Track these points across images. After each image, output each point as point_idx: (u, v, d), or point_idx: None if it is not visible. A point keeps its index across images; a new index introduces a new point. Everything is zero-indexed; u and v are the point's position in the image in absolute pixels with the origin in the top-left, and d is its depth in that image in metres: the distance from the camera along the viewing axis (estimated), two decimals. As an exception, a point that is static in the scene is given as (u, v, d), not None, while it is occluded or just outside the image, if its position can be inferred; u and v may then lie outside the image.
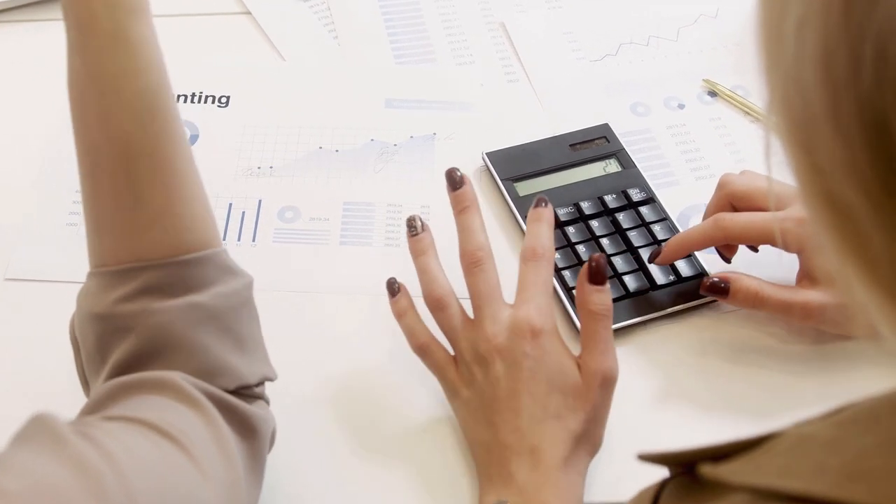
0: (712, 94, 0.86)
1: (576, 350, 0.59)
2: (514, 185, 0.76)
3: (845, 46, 0.26)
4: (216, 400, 0.49)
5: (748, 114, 0.84)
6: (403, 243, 0.73)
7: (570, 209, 0.73)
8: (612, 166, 0.77)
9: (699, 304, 0.69)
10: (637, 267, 0.70)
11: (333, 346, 0.68)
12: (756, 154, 0.80)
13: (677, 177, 0.79)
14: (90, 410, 0.48)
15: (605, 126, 0.80)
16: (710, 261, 0.70)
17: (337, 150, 0.81)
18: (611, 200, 0.74)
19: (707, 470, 0.36)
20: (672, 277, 0.69)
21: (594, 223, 0.72)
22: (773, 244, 0.65)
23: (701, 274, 0.69)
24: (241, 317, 0.53)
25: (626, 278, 0.69)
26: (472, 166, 0.79)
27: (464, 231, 0.62)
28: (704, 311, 0.69)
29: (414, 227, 0.63)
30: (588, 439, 0.57)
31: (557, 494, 0.55)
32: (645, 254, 0.70)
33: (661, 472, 0.42)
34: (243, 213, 0.76)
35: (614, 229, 0.72)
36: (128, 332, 0.49)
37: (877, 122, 0.26)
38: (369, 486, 0.61)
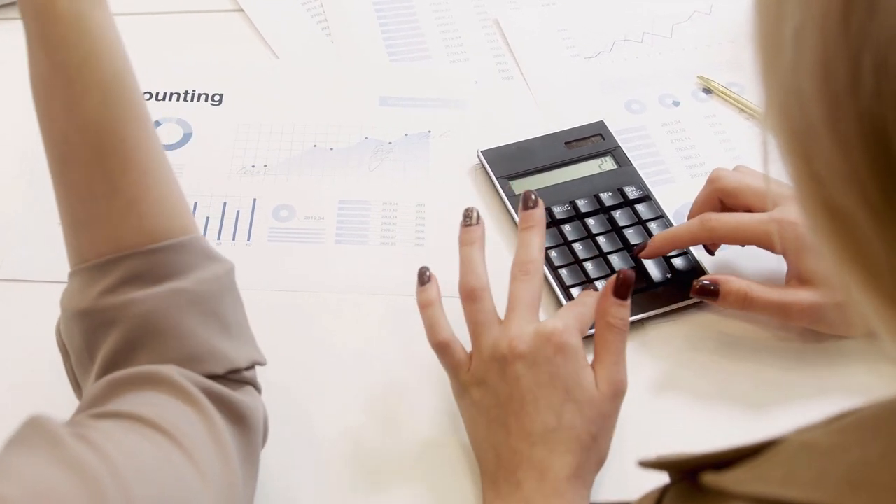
0: (707, 90, 0.86)
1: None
2: (510, 182, 0.76)
3: (844, 56, 0.25)
4: (210, 392, 0.49)
5: (743, 110, 0.84)
6: (399, 241, 0.73)
7: (566, 207, 0.73)
8: (608, 164, 0.77)
9: (696, 301, 0.69)
10: (634, 265, 0.70)
11: (329, 345, 0.67)
12: (751, 151, 0.80)
13: (673, 174, 0.79)
14: (84, 410, 0.48)
15: (601, 123, 0.80)
16: (708, 260, 0.70)
17: (331, 148, 0.80)
18: (607, 198, 0.74)
19: (710, 479, 0.36)
20: (669, 275, 0.69)
21: (590, 221, 0.72)
22: (760, 246, 0.66)
23: (697, 270, 0.70)
24: (226, 301, 0.53)
25: (623, 276, 0.69)
26: (467, 164, 0.79)
27: (523, 245, 0.62)
28: (702, 307, 0.69)
29: (469, 218, 0.63)
30: (596, 451, 0.57)
31: None
32: (642, 252, 0.70)
33: (660, 476, 0.41)
34: (238, 212, 0.75)
35: (611, 227, 0.72)
36: (113, 325, 0.49)
37: (876, 132, 0.25)
38: (369, 486, 0.60)
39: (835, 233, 0.29)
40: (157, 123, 0.80)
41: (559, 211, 0.73)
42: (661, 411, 0.64)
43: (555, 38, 0.90)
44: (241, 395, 0.51)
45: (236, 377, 0.52)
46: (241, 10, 0.92)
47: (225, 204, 0.76)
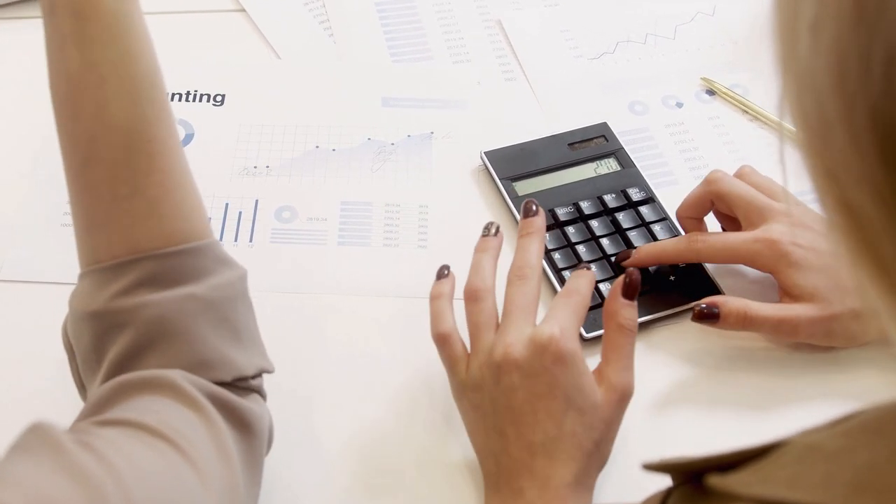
0: (710, 92, 0.86)
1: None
2: (513, 184, 0.75)
3: (856, 51, 0.25)
4: (215, 399, 0.49)
5: (746, 112, 0.84)
6: (402, 243, 0.73)
7: (569, 209, 0.73)
8: (612, 165, 0.77)
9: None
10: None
11: (332, 347, 0.67)
12: (754, 152, 0.80)
13: (676, 176, 0.79)
14: (88, 414, 0.47)
15: (604, 125, 0.80)
16: (711, 267, 0.70)
17: (334, 150, 0.80)
18: (610, 200, 0.73)
19: (715, 481, 0.36)
20: (672, 278, 0.69)
21: (594, 223, 0.72)
22: (746, 265, 0.67)
23: (702, 273, 0.70)
24: (238, 308, 0.52)
25: (627, 278, 0.69)
26: (469, 165, 0.78)
27: (521, 250, 0.61)
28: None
29: (488, 230, 0.63)
30: (599, 456, 0.56)
31: None
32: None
33: (664, 480, 0.41)
34: (240, 213, 0.75)
35: (614, 229, 0.72)
36: (124, 328, 0.49)
37: (887, 128, 0.25)
38: (371, 488, 0.60)
39: (849, 230, 0.29)
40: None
41: (562, 213, 0.72)
42: (665, 413, 0.64)
43: (558, 39, 0.90)
44: (246, 402, 0.51)
45: (243, 384, 0.51)
46: (244, 11, 0.92)
47: (227, 205, 0.75)
